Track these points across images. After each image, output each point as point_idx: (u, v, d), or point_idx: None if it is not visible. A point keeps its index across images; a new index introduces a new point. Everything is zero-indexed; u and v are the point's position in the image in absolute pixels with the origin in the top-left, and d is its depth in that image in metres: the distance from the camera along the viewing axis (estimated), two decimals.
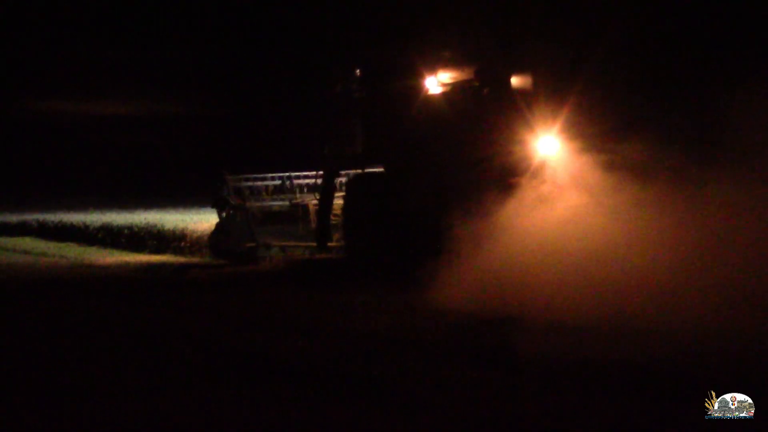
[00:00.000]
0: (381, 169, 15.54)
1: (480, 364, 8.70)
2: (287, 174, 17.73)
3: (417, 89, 14.57)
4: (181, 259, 19.29)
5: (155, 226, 22.68)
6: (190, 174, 20.32)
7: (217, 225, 18.01)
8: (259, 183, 18.15)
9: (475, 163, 13.35)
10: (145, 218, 25.43)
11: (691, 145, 12.62)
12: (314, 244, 15.89)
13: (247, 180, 18.23)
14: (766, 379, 7.36)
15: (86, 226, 26.43)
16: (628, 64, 13.19)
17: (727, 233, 11.36)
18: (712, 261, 11.00)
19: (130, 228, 23.70)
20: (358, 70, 15.69)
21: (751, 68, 12.87)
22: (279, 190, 17.79)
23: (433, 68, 14.38)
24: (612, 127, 12.80)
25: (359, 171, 15.85)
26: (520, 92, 13.58)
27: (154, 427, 6.65)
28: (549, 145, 13.19)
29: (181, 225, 21.87)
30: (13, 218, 32.87)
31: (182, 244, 20.37)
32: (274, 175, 18.10)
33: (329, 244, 15.88)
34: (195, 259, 18.93)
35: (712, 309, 9.66)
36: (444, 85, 14.37)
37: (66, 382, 8.03)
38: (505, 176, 13.03)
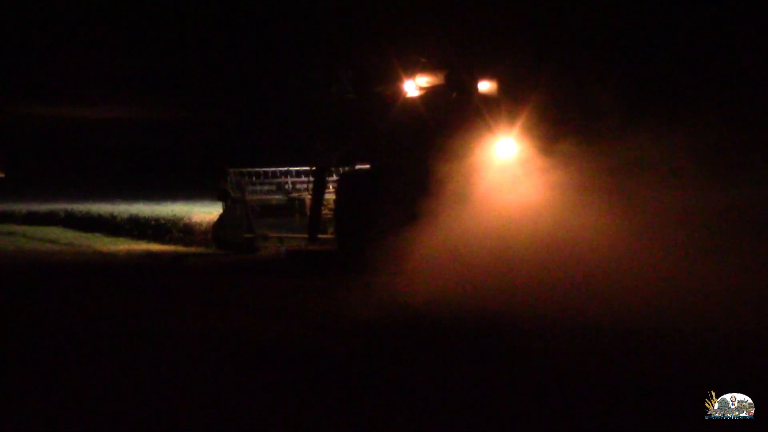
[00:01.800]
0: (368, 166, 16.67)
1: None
2: (286, 169, 18.88)
3: (398, 92, 15.70)
4: (191, 249, 20.28)
5: (181, 218, 23.40)
6: (209, 169, 21.38)
7: (220, 217, 19.23)
8: (260, 178, 19.21)
9: (442, 161, 14.44)
10: (171, 210, 26.10)
11: (651, 145, 13.62)
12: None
13: (248, 174, 19.31)
14: (766, 379, 7.40)
15: (113, 217, 26.81)
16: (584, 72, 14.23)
17: (722, 232, 12.09)
18: (707, 260, 11.50)
19: (156, 219, 24.28)
20: (349, 74, 16.80)
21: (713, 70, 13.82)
22: (277, 185, 18.92)
23: (411, 73, 15.49)
24: (570, 128, 13.86)
25: (349, 168, 17.02)
26: (486, 96, 14.74)
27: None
28: (509, 146, 14.33)
29: (207, 217, 22.41)
30: (42, 208, 33.10)
31: (202, 236, 21.24)
32: (273, 169, 19.20)
33: (322, 236, 17.01)
34: (201, 249, 19.94)
35: (711, 308, 9.93)
36: (421, 88, 15.48)
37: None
38: (468, 174, 14.15)
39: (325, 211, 17.12)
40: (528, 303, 11.11)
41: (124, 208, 28.82)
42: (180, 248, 20.73)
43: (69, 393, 7.55)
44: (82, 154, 52.79)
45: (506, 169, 14.05)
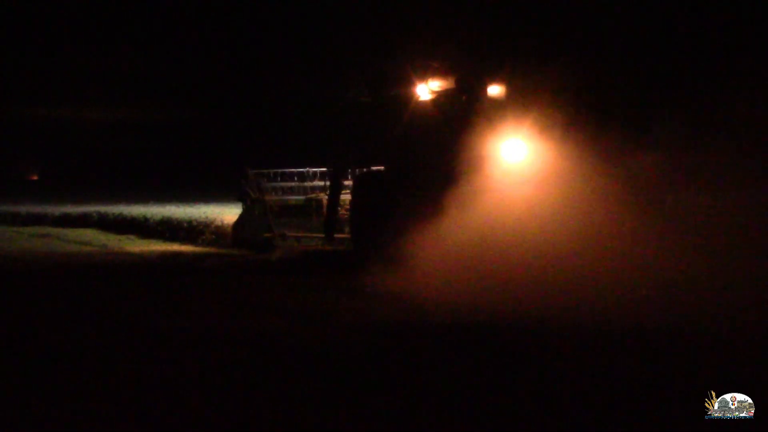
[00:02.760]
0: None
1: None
2: (307, 171, 19.37)
3: (411, 95, 16.16)
4: (210, 250, 20.91)
5: (213, 220, 23.76)
6: (231, 171, 21.90)
7: (240, 217, 19.72)
8: (278, 178, 19.67)
9: (453, 163, 14.86)
10: (204, 212, 26.44)
11: (664, 146, 13.92)
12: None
13: (266, 175, 19.81)
14: (766, 379, 7.43)
15: (146, 219, 26.91)
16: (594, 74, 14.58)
17: (724, 232, 12.20)
18: (709, 260, 11.61)
19: (189, 221, 24.54)
20: (365, 78, 17.27)
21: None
22: (296, 186, 19.35)
23: (424, 77, 15.95)
24: (579, 130, 14.21)
25: (365, 169, 17.48)
26: (495, 99, 15.17)
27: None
28: (519, 148, 14.73)
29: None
30: (75, 210, 33.15)
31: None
32: (291, 171, 19.69)
33: (339, 235, 17.50)
34: (233, 251, 20.34)
35: (711, 308, 10.02)
36: (433, 92, 15.94)
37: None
38: (478, 175, 14.56)
39: (342, 211, 17.60)
40: (537, 303, 11.25)
41: (157, 210, 29.00)
42: (211, 249, 21.24)
43: (102, 392, 7.67)
44: (113, 157, 53.84)
45: (516, 171, 14.43)
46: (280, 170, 19.62)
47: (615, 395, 7.18)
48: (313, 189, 19.13)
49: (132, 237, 25.79)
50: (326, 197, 17.98)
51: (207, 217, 24.53)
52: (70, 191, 44.85)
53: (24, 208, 35.49)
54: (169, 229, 24.93)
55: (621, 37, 14.18)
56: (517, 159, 14.51)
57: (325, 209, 17.86)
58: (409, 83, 16.02)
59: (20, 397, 7.52)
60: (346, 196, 17.58)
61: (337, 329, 10.64)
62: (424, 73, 15.84)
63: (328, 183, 18.28)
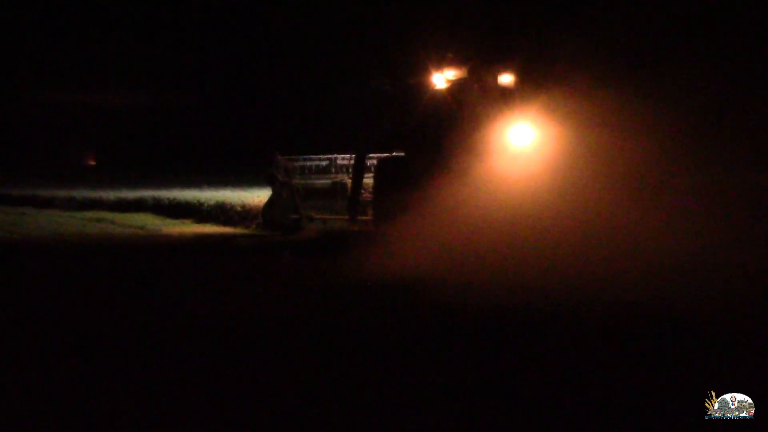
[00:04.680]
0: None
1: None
2: (332, 156, 20.18)
3: (428, 84, 16.97)
4: (250, 231, 21.67)
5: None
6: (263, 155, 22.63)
7: (269, 199, 20.60)
8: (306, 163, 20.40)
9: (467, 148, 15.57)
10: (258, 196, 25.92)
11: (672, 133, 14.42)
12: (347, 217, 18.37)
13: (295, 161, 20.48)
14: (766, 379, 7.42)
15: (201, 204, 26.74)
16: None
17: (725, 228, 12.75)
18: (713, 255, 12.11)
19: (243, 206, 24.46)
20: (386, 69, 18.10)
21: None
22: (322, 170, 20.23)
23: (439, 67, 16.71)
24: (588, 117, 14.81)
25: (386, 154, 18.35)
26: (506, 88, 15.88)
27: None
28: (528, 133, 15.42)
29: None
30: (130, 195, 32.98)
31: None
32: (318, 156, 20.42)
33: (362, 217, 18.28)
34: (253, 231, 21.39)
35: (712, 307, 10.04)
36: (448, 81, 16.70)
37: None
38: (491, 160, 15.26)
39: (365, 194, 18.41)
40: (541, 292, 11.32)
41: (211, 195, 28.97)
42: (245, 231, 21.97)
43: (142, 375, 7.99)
44: (162, 142, 55.37)
45: (525, 155, 15.13)
46: (307, 156, 20.42)
47: (614, 395, 7.15)
48: (339, 173, 19.92)
49: (187, 221, 25.96)
50: (350, 181, 18.80)
51: (262, 201, 23.70)
52: (125, 176, 45.26)
53: (80, 193, 35.38)
54: (222, 213, 24.94)
55: (623, 27, 14.74)
56: (526, 143, 15.24)
57: (349, 192, 18.71)
58: (426, 73, 16.83)
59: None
60: (369, 180, 18.37)
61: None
62: (440, 63, 16.63)
63: (352, 166, 19.04)
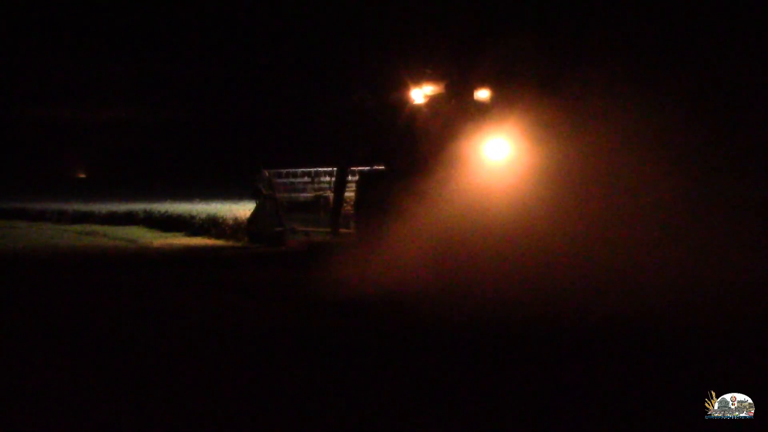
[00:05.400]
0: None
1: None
2: (315, 169, 20.51)
3: (407, 99, 17.25)
4: (236, 244, 22.01)
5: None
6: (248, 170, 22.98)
7: (253, 212, 20.86)
8: (290, 178, 20.83)
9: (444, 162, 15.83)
10: (249, 209, 25.49)
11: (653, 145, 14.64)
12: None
13: (279, 175, 20.92)
14: (766, 379, 7.46)
15: (192, 217, 26.94)
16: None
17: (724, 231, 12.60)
18: (711, 258, 11.97)
19: (234, 219, 24.57)
20: (368, 84, 18.40)
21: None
22: (305, 184, 20.48)
23: (418, 82, 17.03)
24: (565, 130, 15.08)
25: (367, 168, 18.64)
26: (482, 103, 16.24)
27: None
28: (505, 148, 15.74)
29: None
30: (121, 208, 33.48)
31: None
32: (301, 170, 20.77)
33: (344, 230, 18.55)
34: (239, 244, 21.73)
35: (712, 308, 10.17)
36: (426, 96, 17.01)
37: None
38: (467, 173, 15.56)
39: (347, 207, 18.71)
40: (525, 302, 11.51)
41: (202, 208, 29.33)
42: (233, 243, 22.35)
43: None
44: (150, 156, 55.87)
45: (500, 168, 15.42)
46: (290, 170, 20.76)
47: (614, 395, 7.21)
48: (321, 187, 20.20)
49: (178, 234, 26.17)
50: (332, 194, 19.06)
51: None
52: (116, 189, 45.66)
53: (72, 206, 35.85)
54: (214, 226, 25.13)
55: (597, 42, 15.03)
56: (501, 157, 15.55)
57: (331, 205, 18.97)
58: (405, 88, 17.14)
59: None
60: (351, 193, 18.63)
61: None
62: (419, 79, 16.93)
63: (334, 180, 19.31)
